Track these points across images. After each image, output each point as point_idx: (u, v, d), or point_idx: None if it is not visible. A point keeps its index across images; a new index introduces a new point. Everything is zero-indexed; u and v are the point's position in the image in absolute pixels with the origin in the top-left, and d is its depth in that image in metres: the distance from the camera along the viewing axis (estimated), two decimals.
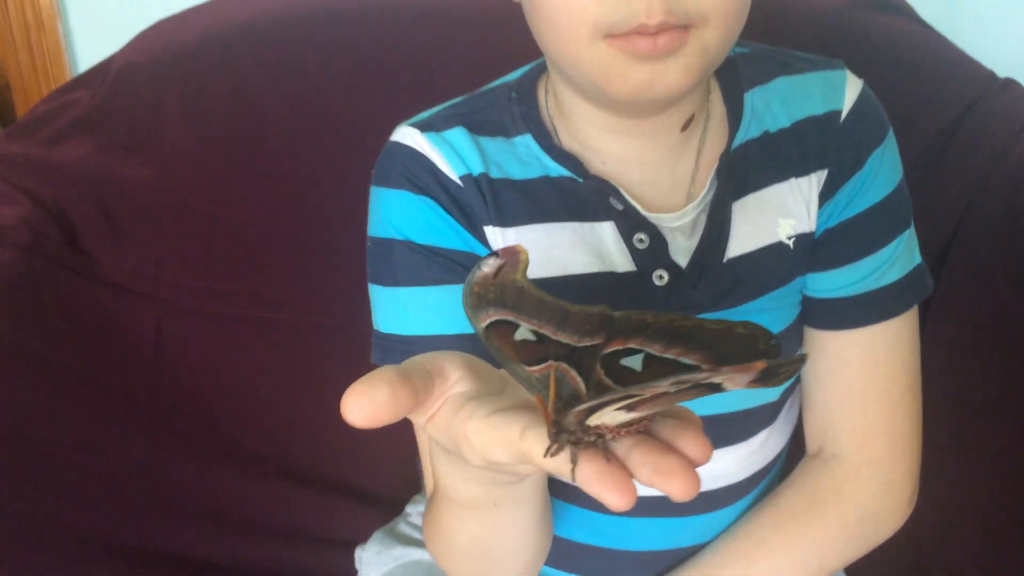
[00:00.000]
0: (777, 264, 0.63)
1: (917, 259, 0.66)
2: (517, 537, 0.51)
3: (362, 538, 0.85)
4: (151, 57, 0.90)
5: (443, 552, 0.55)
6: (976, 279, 0.82)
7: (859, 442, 0.66)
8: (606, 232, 0.61)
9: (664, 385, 0.29)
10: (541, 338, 0.35)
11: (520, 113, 0.63)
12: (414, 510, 0.85)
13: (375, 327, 0.63)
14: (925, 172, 0.86)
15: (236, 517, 0.87)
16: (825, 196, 0.63)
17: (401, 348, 0.61)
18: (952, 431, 0.82)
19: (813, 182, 0.63)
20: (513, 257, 0.35)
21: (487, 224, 0.61)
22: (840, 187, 0.63)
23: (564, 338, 0.35)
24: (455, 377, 0.36)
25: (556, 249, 0.60)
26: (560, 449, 0.31)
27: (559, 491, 0.67)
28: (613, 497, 0.30)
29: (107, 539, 0.82)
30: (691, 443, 0.31)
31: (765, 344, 0.34)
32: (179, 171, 0.88)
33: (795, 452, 0.75)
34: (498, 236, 0.61)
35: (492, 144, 0.62)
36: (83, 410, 0.82)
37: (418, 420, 0.36)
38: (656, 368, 0.34)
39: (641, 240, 0.60)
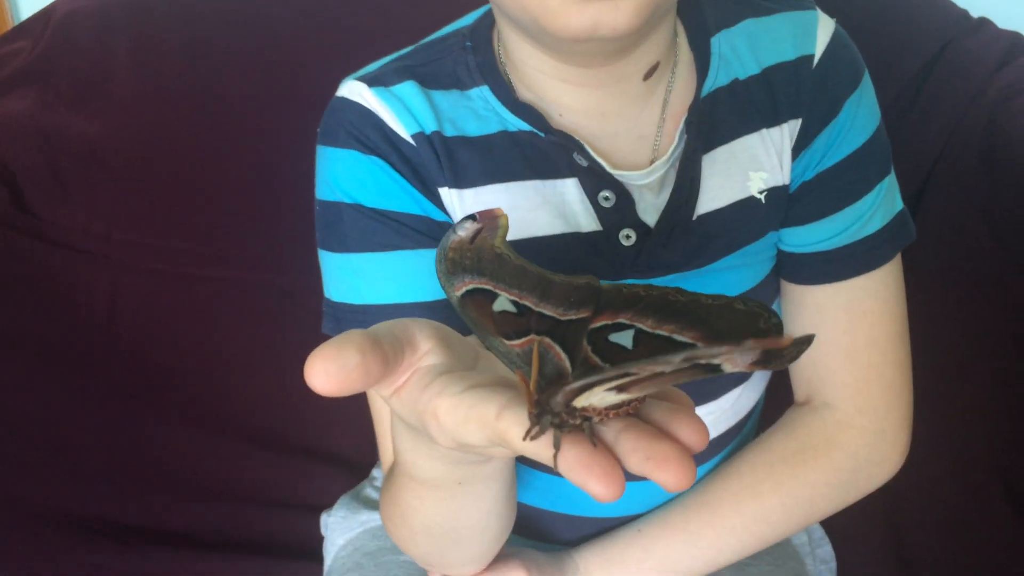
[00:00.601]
0: (749, 220, 0.60)
1: (899, 205, 0.64)
2: (482, 516, 0.48)
3: (328, 503, 0.83)
4: (97, 4, 0.85)
5: (401, 531, 0.52)
6: (950, 222, 0.81)
7: (850, 393, 0.64)
8: (569, 190, 0.57)
9: (662, 365, 0.26)
10: (522, 309, 0.32)
11: (476, 63, 0.59)
12: (380, 474, 0.83)
13: (326, 295, 0.60)
14: (900, 116, 0.85)
15: (198, 484, 0.85)
16: (799, 147, 0.60)
17: (354, 318, 0.57)
18: (926, 378, 0.81)
19: (785, 132, 0.60)
20: (491, 221, 0.32)
21: (442, 186, 0.57)
22: (815, 137, 0.60)
23: (547, 310, 0.32)
24: (425, 348, 0.33)
25: (517, 210, 0.57)
26: (542, 432, 0.28)
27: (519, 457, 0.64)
28: (600, 487, 0.27)
29: (66, 512, 0.80)
30: (685, 427, 0.29)
31: (766, 322, 0.31)
32: (130, 125, 0.85)
33: (768, 407, 0.74)
34: (454, 198, 0.57)
35: (446, 98, 0.58)
36: (35, 379, 0.79)
37: (382, 392, 0.33)
38: (648, 346, 0.31)
39: (607, 198, 0.57)
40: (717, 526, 0.63)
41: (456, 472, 0.41)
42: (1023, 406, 0.77)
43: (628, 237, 0.57)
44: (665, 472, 0.27)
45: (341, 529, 0.78)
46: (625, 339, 0.32)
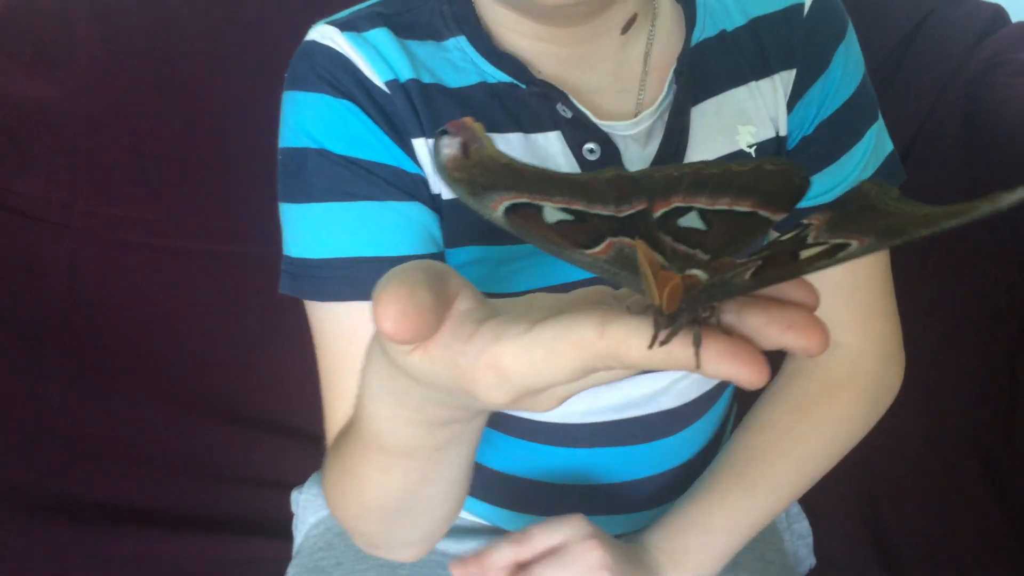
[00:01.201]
0: None
1: (889, 147, 0.64)
2: (445, 487, 0.44)
3: (299, 480, 0.81)
4: None
5: (351, 508, 0.48)
6: (931, 195, 0.79)
7: (859, 327, 0.66)
8: (552, 143, 0.56)
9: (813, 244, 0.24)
10: (579, 215, 0.28)
11: (451, 12, 0.56)
12: None
13: (285, 252, 0.57)
14: (880, 87, 0.83)
15: (164, 461, 0.83)
16: (794, 99, 0.60)
17: (310, 274, 0.54)
18: (909, 345, 0.81)
19: (778, 84, 0.59)
20: (468, 131, 0.28)
21: (417, 136, 0.55)
22: (808, 88, 0.60)
23: (602, 210, 0.29)
24: (454, 292, 0.29)
25: None
26: (675, 332, 0.25)
27: (496, 423, 0.63)
28: (752, 372, 0.24)
29: (26, 489, 0.77)
30: (798, 290, 0.26)
31: (799, 178, 0.29)
32: (91, 90, 0.82)
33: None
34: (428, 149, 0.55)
35: (422, 48, 0.56)
36: None
37: (398, 351, 0.30)
38: (720, 224, 0.29)
39: (591, 151, 0.55)
40: (770, 475, 0.64)
41: (437, 436, 0.37)
42: (999, 382, 0.77)
43: None
44: (809, 337, 0.25)
45: (313, 507, 0.76)
46: (694, 221, 0.29)
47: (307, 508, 0.77)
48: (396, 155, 0.55)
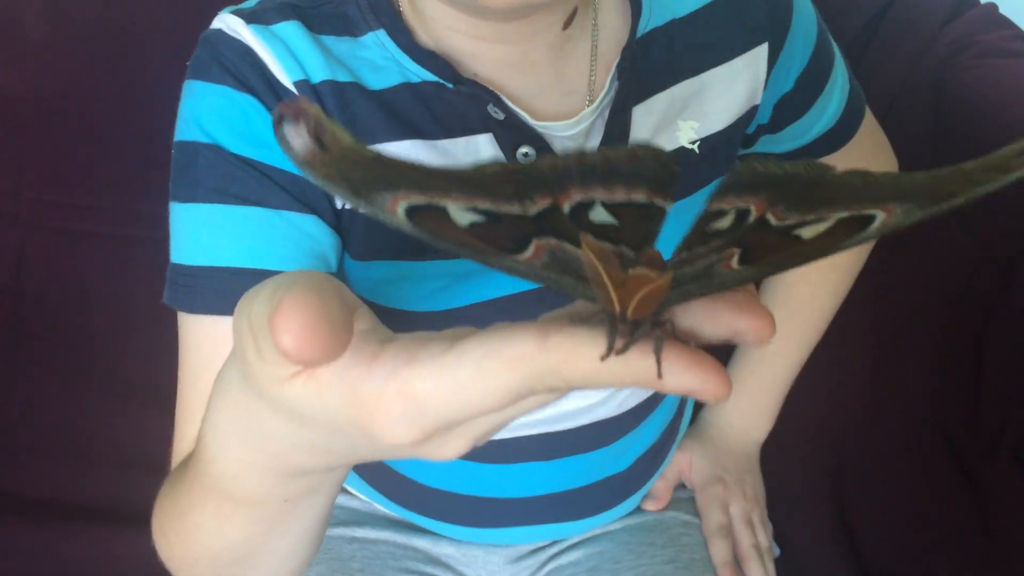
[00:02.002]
0: (686, 170, 0.55)
1: (846, 74, 0.66)
2: (294, 541, 0.38)
3: None
4: None
5: (177, 550, 0.41)
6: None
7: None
8: (483, 147, 0.51)
9: (813, 224, 0.22)
10: (490, 216, 0.24)
11: (368, 4, 0.51)
12: None
13: (170, 258, 0.52)
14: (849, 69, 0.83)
15: (113, 458, 0.80)
16: (770, 68, 0.58)
17: (183, 282, 0.50)
18: (871, 337, 0.80)
19: (751, 62, 0.56)
20: (309, 117, 0.23)
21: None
22: (779, 54, 0.58)
23: (509, 208, 0.25)
24: (354, 309, 0.25)
25: None
26: (636, 340, 0.22)
27: (429, 510, 0.62)
28: (718, 384, 0.22)
29: None
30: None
31: (669, 162, 0.26)
32: (40, 76, 0.79)
33: None
34: None
35: (339, 45, 0.51)
36: None
37: (275, 376, 0.25)
38: (627, 216, 0.26)
39: (526, 155, 0.51)
40: (797, 321, 0.70)
41: (291, 486, 0.32)
42: (965, 367, 0.77)
43: None
44: (763, 319, 0.23)
45: None
46: (603, 216, 0.25)
47: None
48: None
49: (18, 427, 0.78)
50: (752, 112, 0.58)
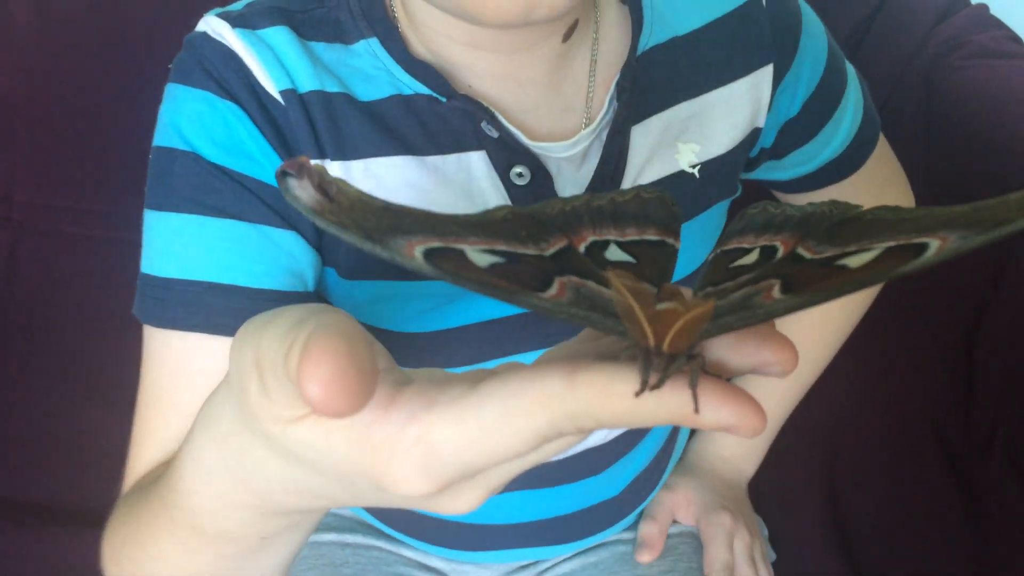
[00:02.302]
0: (686, 194, 0.53)
1: (861, 98, 0.62)
2: (269, 569, 0.36)
3: None
4: None
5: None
6: None
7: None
8: (476, 165, 0.49)
9: (861, 253, 0.23)
10: (508, 256, 0.24)
11: (361, 9, 0.49)
12: None
13: (140, 268, 0.50)
14: None
15: (106, 463, 0.80)
16: (774, 90, 0.55)
17: (153, 294, 0.47)
18: (862, 339, 0.80)
19: (756, 83, 0.54)
20: (312, 171, 0.23)
21: (311, 157, 0.47)
22: (785, 75, 0.55)
23: (525, 250, 0.25)
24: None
25: (415, 188, 0.48)
26: (669, 375, 0.21)
27: (416, 531, 0.62)
28: (754, 417, 0.21)
29: None
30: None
31: (673, 203, 0.28)
32: (31, 78, 0.79)
33: None
34: (333, 172, 0.45)
35: (328, 52, 0.49)
36: None
37: (284, 414, 0.23)
38: (642, 254, 0.27)
39: (520, 175, 0.49)
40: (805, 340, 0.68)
41: (271, 524, 0.30)
42: (957, 367, 0.77)
43: None
44: (786, 350, 0.23)
45: None
46: (619, 254, 0.26)
47: None
48: None
49: (9, 430, 0.77)
50: (755, 135, 0.57)
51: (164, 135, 0.48)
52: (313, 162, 0.23)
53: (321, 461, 0.24)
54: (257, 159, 0.47)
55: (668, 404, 0.21)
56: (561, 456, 0.59)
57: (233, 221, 0.47)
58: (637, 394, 0.21)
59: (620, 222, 0.27)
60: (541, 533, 0.64)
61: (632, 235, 0.27)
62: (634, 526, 0.70)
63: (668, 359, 0.21)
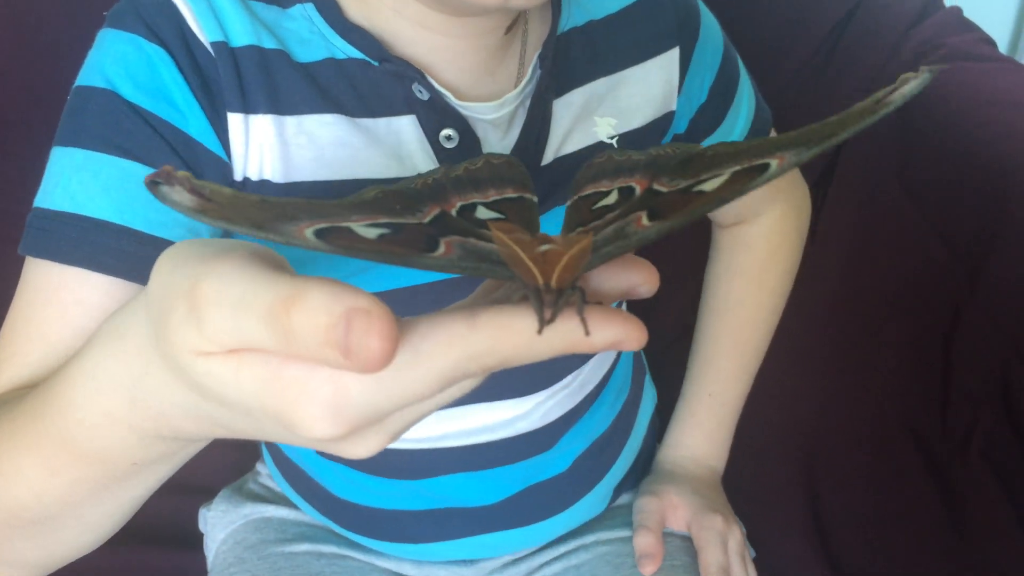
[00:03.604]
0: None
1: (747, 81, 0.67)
2: (113, 510, 0.36)
3: (215, 486, 0.76)
4: None
5: None
6: (867, 182, 0.80)
7: (772, 194, 0.71)
8: (405, 128, 0.50)
9: (711, 178, 0.26)
10: (395, 227, 0.27)
11: None
12: (264, 469, 0.76)
13: (34, 203, 0.48)
14: (815, 73, 0.83)
15: None
16: (682, 74, 0.59)
17: (40, 225, 0.46)
18: (841, 341, 0.80)
19: (664, 64, 0.58)
20: (179, 179, 0.24)
21: (235, 110, 0.48)
22: (691, 60, 0.59)
23: (405, 220, 0.28)
24: None
25: (346, 148, 0.49)
26: (560, 308, 0.24)
27: (360, 464, 0.60)
28: (637, 328, 0.24)
29: None
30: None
31: (519, 164, 0.31)
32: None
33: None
34: (260, 126, 0.48)
35: (268, 12, 0.49)
36: None
37: (202, 347, 0.23)
38: (509, 210, 0.30)
39: (449, 137, 0.51)
40: (738, 353, 0.72)
41: (152, 449, 0.30)
42: (934, 368, 0.77)
43: None
44: (650, 272, 0.26)
45: (222, 524, 0.71)
46: (486, 213, 0.30)
47: (216, 525, 0.71)
48: (199, 125, 0.47)
49: None
50: (668, 118, 0.60)
51: (86, 75, 0.48)
52: (179, 172, 0.24)
53: (228, 395, 0.24)
54: (177, 105, 0.47)
55: (563, 333, 0.23)
56: (493, 438, 0.59)
57: (138, 164, 0.46)
58: (539, 330, 0.23)
59: (480, 186, 0.30)
60: (497, 516, 0.63)
61: (494, 195, 0.30)
62: (616, 527, 0.69)
63: (557, 294, 0.24)
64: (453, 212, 0.29)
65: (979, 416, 0.73)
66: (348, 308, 0.21)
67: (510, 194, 0.30)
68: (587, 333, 0.24)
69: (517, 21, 0.53)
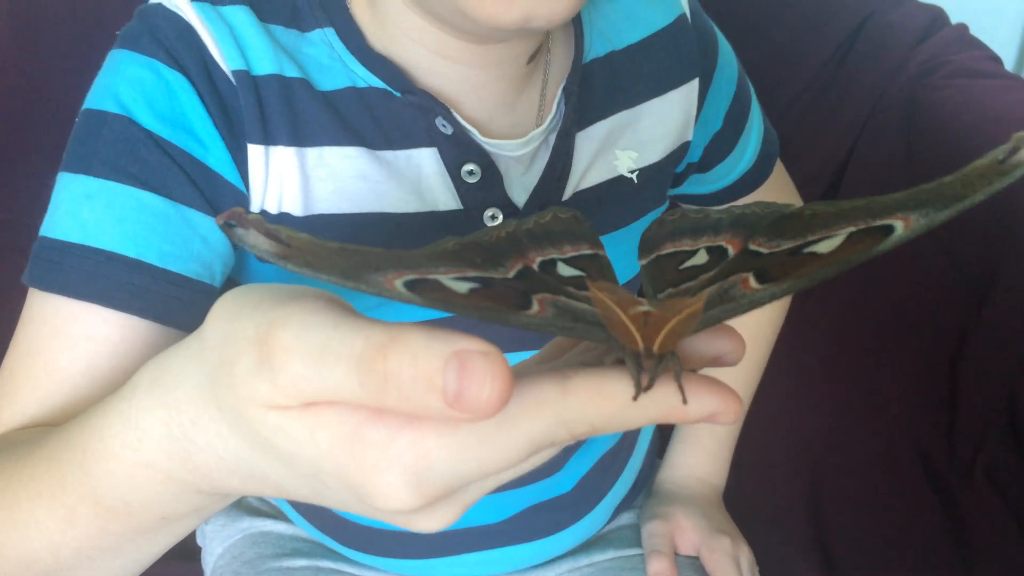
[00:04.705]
0: (623, 200, 0.55)
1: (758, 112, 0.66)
2: (129, 563, 0.34)
3: None
4: None
5: None
6: (873, 194, 0.80)
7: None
8: (426, 161, 0.49)
9: (826, 238, 0.25)
10: (484, 281, 0.26)
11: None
12: None
13: (40, 232, 0.46)
14: (821, 90, 0.83)
15: None
16: (700, 104, 0.58)
17: (49, 256, 0.44)
18: (847, 362, 0.80)
19: (685, 95, 0.57)
20: (251, 221, 0.23)
21: (255, 142, 0.46)
22: (708, 89, 0.58)
23: (495, 274, 0.27)
24: None
25: (366, 181, 0.48)
26: (658, 375, 0.23)
27: (377, 548, 0.61)
28: (735, 399, 0.23)
29: None
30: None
31: (585, 222, 0.30)
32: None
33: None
34: (281, 158, 0.46)
35: (287, 37, 0.48)
36: None
37: (275, 400, 0.22)
38: (588, 267, 0.29)
39: (471, 172, 0.49)
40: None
41: (183, 503, 0.29)
42: (940, 388, 0.77)
43: (494, 217, 0.51)
44: (737, 340, 0.25)
45: (220, 537, 0.70)
46: (568, 270, 0.28)
47: (214, 539, 0.71)
48: (219, 156, 0.45)
49: None
50: (684, 148, 0.59)
51: (97, 98, 0.45)
52: (249, 214, 0.23)
53: (299, 454, 0.22)
54: (198, 135, 0.45)
55: (658, 400, 0.22)
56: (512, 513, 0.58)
57: (153, 194, 0.44)
58: (635, 397, 0.22)
59: (556, 241, 0.29)
60: (500, 534, 0.63)
61: (570, 251, 0.29)
62: (610, 548, 0.68)
63: (657, 360, 0.23)
64: (535, 267, 0.28)
65: (985, 437, 0.73)
66: (460, 350, 0.20)
67: (586, 251, 0.29)
68: (684, 402, 0.23)
69: (540, 51, 0.51)
